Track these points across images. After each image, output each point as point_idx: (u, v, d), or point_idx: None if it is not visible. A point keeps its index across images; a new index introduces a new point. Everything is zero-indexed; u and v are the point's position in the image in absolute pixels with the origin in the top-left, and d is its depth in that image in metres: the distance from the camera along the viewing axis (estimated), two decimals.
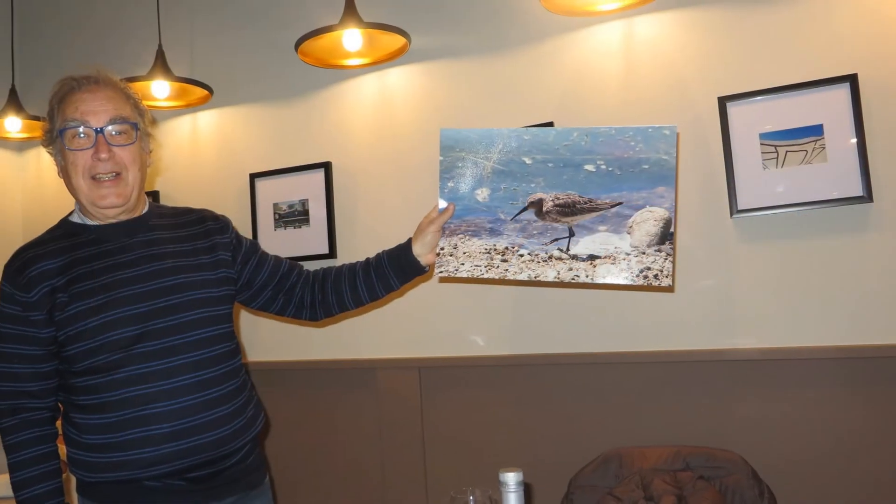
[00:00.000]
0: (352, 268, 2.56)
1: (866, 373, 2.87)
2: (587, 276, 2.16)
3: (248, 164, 4.14)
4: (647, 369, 3.20)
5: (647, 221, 2.11)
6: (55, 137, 2.30)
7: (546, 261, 2.20)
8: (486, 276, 2.25)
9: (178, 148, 4.37)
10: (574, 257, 2.17)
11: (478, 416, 3.55)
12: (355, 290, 2.53)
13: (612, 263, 2.14)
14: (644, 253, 2.11)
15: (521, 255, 2.21)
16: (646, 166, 2.11)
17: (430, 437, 3.64)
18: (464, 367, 3.57)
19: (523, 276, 2.22)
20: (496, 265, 2.24)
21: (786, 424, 2.98)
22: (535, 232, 2.21)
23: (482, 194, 2.25)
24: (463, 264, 2.28)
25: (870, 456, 2.86)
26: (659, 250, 2.09)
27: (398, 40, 3.42)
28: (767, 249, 3.03)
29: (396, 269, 2.46)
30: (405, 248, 2.44)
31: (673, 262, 2.12)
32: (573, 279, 2.17)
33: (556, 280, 2.18)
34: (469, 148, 2.25)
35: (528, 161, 2.20)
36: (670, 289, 3.10)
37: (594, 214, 2.16)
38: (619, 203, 2.14)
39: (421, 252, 2.40)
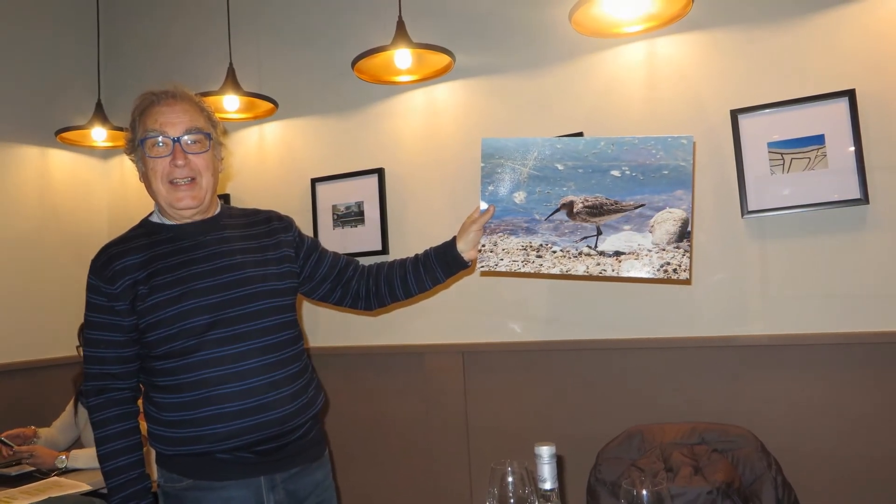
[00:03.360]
0: (402, 263, 2.59)
1: (863, 357, 2.91)
2: (613, 271, 2.18)
3: (310, 169, 4.22)
4: (666, 354, 3.25)
5: (667, 221, 2.14)
6: (137, 146, 2.35)
7: (576, 256, 2.22)
8: (522, 270, 2.29)
9: (247, 155, 4.46)
10: (601, 253, 2.20)
11: (515, 396, 3.61)
12: (405, 283, 2.56)
13: (636, 259, 2.16)
14: (664, 249, 2.13)
15: (554, 252, 2.24)
16: (665, 172, 2.14)
17: (472, 415, 3.71)
18: (503, 352, 3.63)
19: (556, 271, 2.25)
20: (532, 260, 2.27)
21: (791, 403, 3.03)
22: (566, 231, 2.24)
23: (519, 197, 2.28)
24: (502, 259, 2.31)
25: (866, 430, 2.91)
26: (677, 247, 2.12)
27: (444, 59, 3.48)
28: (775, 246, 3.07)
29: (442, 264, 2.49)
30: (450, 245, 2.47)
31: (690, 258, 2.16)
32: (601, 273, 2.20)
33: (586, 273, 2.21)
34: (507, 155, 2.28)
35: (560, 167, 2.23)
36: (687, 282, 3.16)
37: (619, 215, 2.18)
38: (642, 205, 2.16)
39: (464, 248, 2.42)
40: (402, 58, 3.45)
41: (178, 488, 2.30)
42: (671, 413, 3.20)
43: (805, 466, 2.98)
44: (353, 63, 3.40)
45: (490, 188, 2.31)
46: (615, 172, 2.19)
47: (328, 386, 3.78)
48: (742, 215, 3.10)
